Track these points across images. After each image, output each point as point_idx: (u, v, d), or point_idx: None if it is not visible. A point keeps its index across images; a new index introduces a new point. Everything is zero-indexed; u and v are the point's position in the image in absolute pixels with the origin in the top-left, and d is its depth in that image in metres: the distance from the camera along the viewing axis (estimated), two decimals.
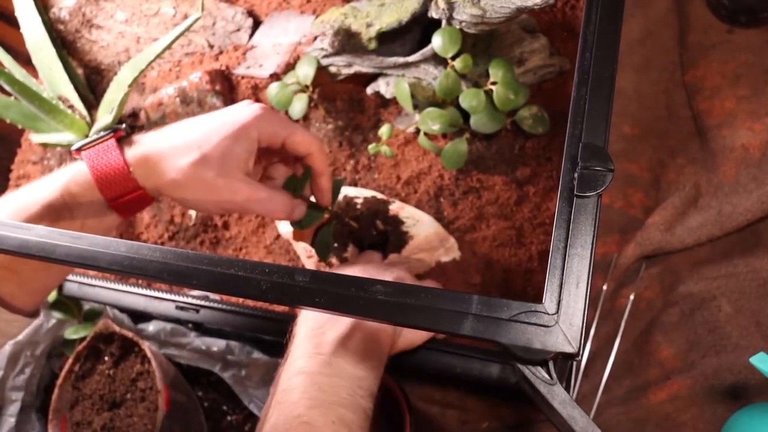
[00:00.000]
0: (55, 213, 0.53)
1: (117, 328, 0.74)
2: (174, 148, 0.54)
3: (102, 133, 0.55)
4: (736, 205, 0.70)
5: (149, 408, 0.71)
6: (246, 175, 0.56)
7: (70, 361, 0.75)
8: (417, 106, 0.73)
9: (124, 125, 0.57)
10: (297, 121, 0.80)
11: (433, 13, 0.68)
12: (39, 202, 0.53)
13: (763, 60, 0.76)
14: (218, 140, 0.54)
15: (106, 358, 0.75)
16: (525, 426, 0.70)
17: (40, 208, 0.53)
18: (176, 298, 0.76)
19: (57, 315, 0.80)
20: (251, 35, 0.87)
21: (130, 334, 0.74)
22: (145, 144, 0.55)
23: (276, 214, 0.59)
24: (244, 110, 0.57)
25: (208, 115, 0.57)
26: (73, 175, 0.54)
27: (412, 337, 0.62)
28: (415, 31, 0.75)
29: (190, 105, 0.81)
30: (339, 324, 0.54)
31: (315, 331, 0.53)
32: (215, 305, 0.75)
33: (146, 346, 0.72)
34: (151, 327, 0.78)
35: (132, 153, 0.54)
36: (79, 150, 0.55)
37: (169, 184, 0.54)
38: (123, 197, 0.54)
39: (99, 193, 0.53)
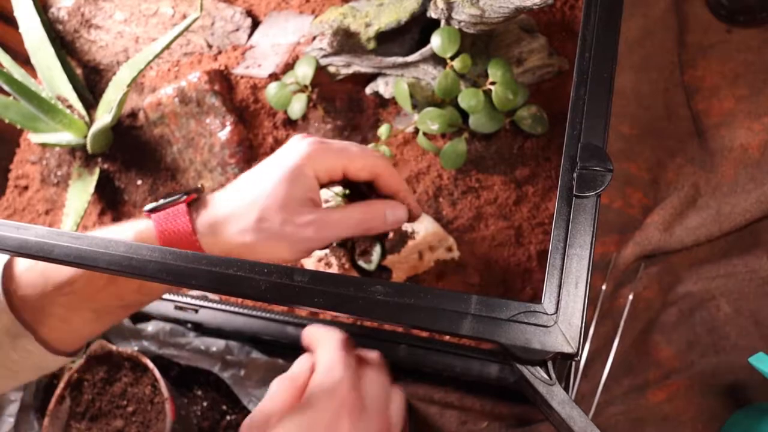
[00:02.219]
0: None
1: (113, 347, 0.72)
2: (235, 211, 0.52)
3: (174, 197, 0.53)
4: (735, 205, 0.70)
5: (150, 418, 0.71)
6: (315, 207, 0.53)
7: (61, 385, 0.72)
8: (416, 106, 0.73)
9: (201, 183, 0.54)
10: (295, 121, 0.81)
11: (432, 13, 0.68)
12: None
13: (762, 60, 0.76)
14: (272, 190, 0.52)
15: (102, 375, 0.74)
16: (524, 426, 0.70)
17: None
18: (175, 298, 0.76)
19: None
20: (250, 35, 0.87)
21: (128, 351, 0.73)
22: (212, 208, 0.54)
23: (372, 225, 0.55)
24: (295, 149, 0.54)
25: (265, 165, 0.55)
26: (139, 232, 0.53)
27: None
28: (413, 31, 0.75)
29: (189, 105, 0.81)
30: None
31: None
32: (214, 305, 0.75)
33: (147, 360, 0.71)
34: (150, 327, 0.78)
35: (200, 219, 0.53)
36: (149, 211, 0.54)
37: (238, 249, 0.52)
38: None
39: None
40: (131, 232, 0.53)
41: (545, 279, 0.35)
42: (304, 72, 0.77)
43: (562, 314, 0.34)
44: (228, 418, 0.78)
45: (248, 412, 0.76)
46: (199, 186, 0.55)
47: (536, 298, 0.70)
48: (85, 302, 0.54)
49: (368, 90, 0.79)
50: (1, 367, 0.54)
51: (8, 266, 0.54)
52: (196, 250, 0.52)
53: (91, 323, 0.56)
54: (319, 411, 0.44)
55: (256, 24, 0.88)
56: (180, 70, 0.87)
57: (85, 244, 0.40)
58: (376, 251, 0.67)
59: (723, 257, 0.71)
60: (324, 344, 0.50)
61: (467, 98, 0.69)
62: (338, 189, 0.61)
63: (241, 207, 0.52)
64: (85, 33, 0.92)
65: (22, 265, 0.54)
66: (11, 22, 0.89)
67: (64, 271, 0.52)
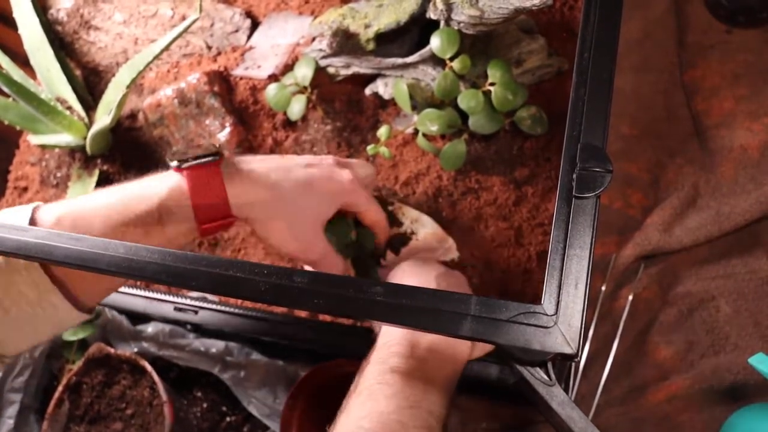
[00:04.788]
0: (147, 224, 0.55)
1: (111, 350, 0.73)
2: (275, 190, 0.57)
3: (206, 158, 0.56)
4: (735, 206, 0.70)
5: (149, 420, 0.71)
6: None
7: (60, 388, 0.73)
8: (415, 107, 0.73)
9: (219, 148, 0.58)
10: (295, 122, 0.80)
11: (432, 14, 0.68)
12: (134, 212, 0.54)
13: (761, 60, 0.76)
14: (316, 199, 0.59)
15: (101, 378, 0.74)
16: (524, 427, 0.70)
17: (134, 217, 0.54)
18: (175, 299, 0.76)
19: None
20: (249, 36, 0.87)
21: (126, 354, 0.72)
22: (245, 174, 0.57)
23: (331, 271, 0.66)
24: (338, 178, 0.61)
25: (309, 160, 0.61)
26: (172, 191, 0.55)
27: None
28: (413, 32, 0.75)
29: (189, 106, 0.81)
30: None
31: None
32: (214, 307, 0.75)
33: (145, 363, 0.71)
34: (150, 328, 0.78)
35: (232, 183, 0.56)
36: (179, 167, 0.56)
37: (261, 224, 0.58)
38: (215, 222, 0.56)
39: (193, 216, 0.56)
40: (164, 192, 0.55)
41: (545, 280, 0.35)
42: (303, 73, 0.77)
43: (562, 315, 0.34)
44: (228, 419, 0.78)
45: (248, 413, 0.76)
46: (218, 148, 0.58)
47: (536, 298, 0.70)
48: None
49: (368, 91, 0.79)
50: (26, 324, 0.55)
51: (33, 221, 0.54)
52: (225, 213, 0.56)
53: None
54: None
55: (255, 25, 0.88)
56: (179, 71, 0.87)
57: (85, 245, 0.40)
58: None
59: (722, 258, 0.71)
60: None
61: (467, 99, 0.69)
62: None
63: (281, 191, 0.58)
64: (84, 34, 0.92)
65: (48, 217, 0.54)
66: (10, 24, 0.89)
67: (96, 224, 0.53)
